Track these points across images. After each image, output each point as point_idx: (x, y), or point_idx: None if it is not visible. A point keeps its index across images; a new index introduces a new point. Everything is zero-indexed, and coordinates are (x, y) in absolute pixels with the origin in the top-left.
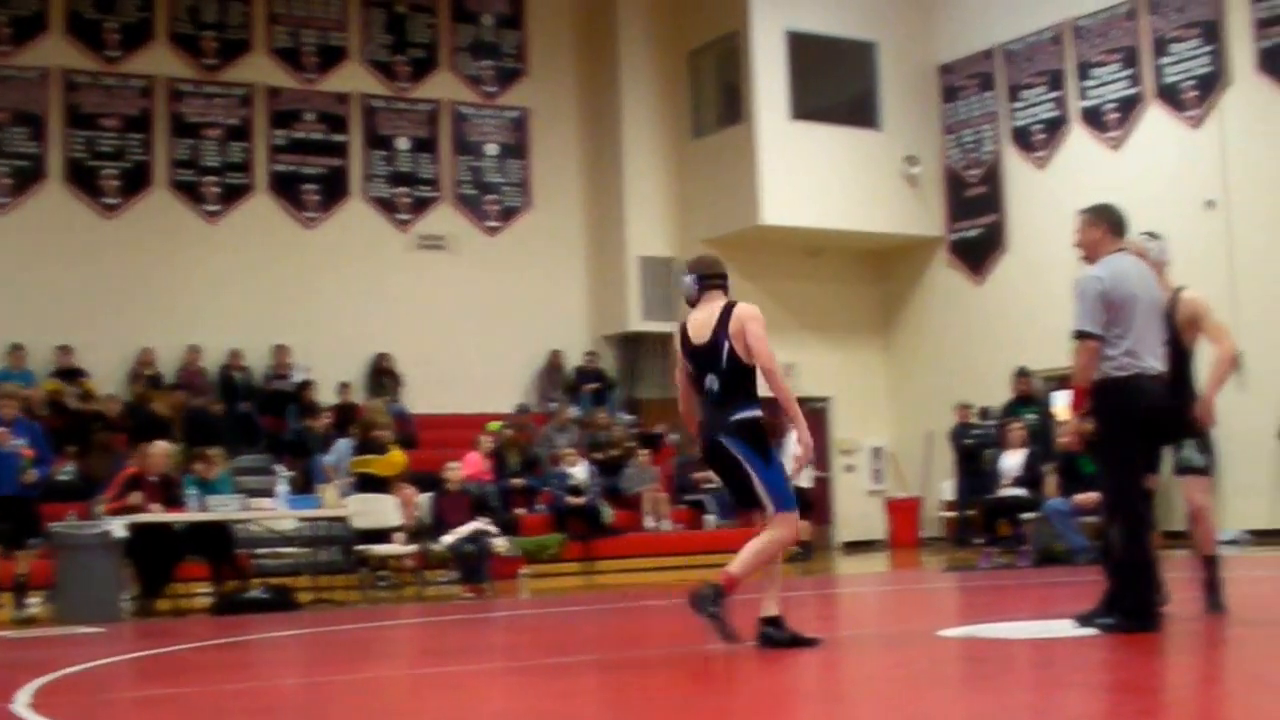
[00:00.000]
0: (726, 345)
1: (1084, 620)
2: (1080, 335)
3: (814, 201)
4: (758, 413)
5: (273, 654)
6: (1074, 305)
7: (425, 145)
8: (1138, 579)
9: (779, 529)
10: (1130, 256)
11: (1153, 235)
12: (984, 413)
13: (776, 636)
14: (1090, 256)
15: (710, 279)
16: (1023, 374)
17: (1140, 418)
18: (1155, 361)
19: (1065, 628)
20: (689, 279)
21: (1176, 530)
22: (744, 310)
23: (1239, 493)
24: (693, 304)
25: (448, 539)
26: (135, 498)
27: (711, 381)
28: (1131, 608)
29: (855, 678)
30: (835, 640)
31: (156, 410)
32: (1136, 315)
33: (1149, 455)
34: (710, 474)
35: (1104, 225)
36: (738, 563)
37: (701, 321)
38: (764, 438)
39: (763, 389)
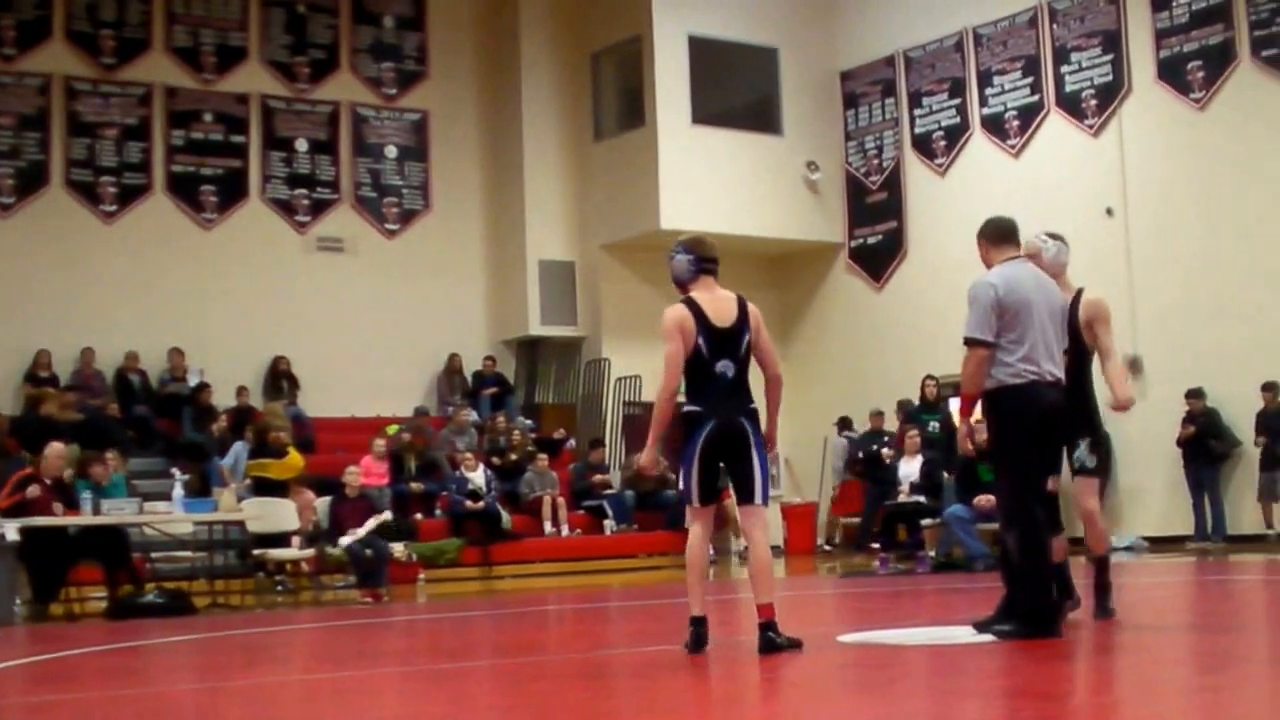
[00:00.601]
0: (747, 336)
1: (982, 626)
2: (970, 342)
3: (714, 206)
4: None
5: (167, 659)
6: (967, 312)
7: (324, 147)
8: (1034, 585)
9: (764, 529)
10: (1025, 263)
11: (1052, 236)
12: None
13: (702, 636)
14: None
15: (709, 262)
16: (930, 379)
17: (1036, 424)
18: (1053, 367)
19: (963, 634)
20: (685, 258)
21: (1077, 536)
22: (757, 310)
23: (1136, 499)
24: (683, 285)
25: (345, 540)
26: (33, 490)
27: (726, 367)
28: (1028, 614)
29: (754, 683)
30: (733, 645)
31: (49, 413)
32: (1033, 321)
33: (1046, 459)
34: (607, 478)
35: (982, 239)
36: (762, 592)
37: (722, 306)
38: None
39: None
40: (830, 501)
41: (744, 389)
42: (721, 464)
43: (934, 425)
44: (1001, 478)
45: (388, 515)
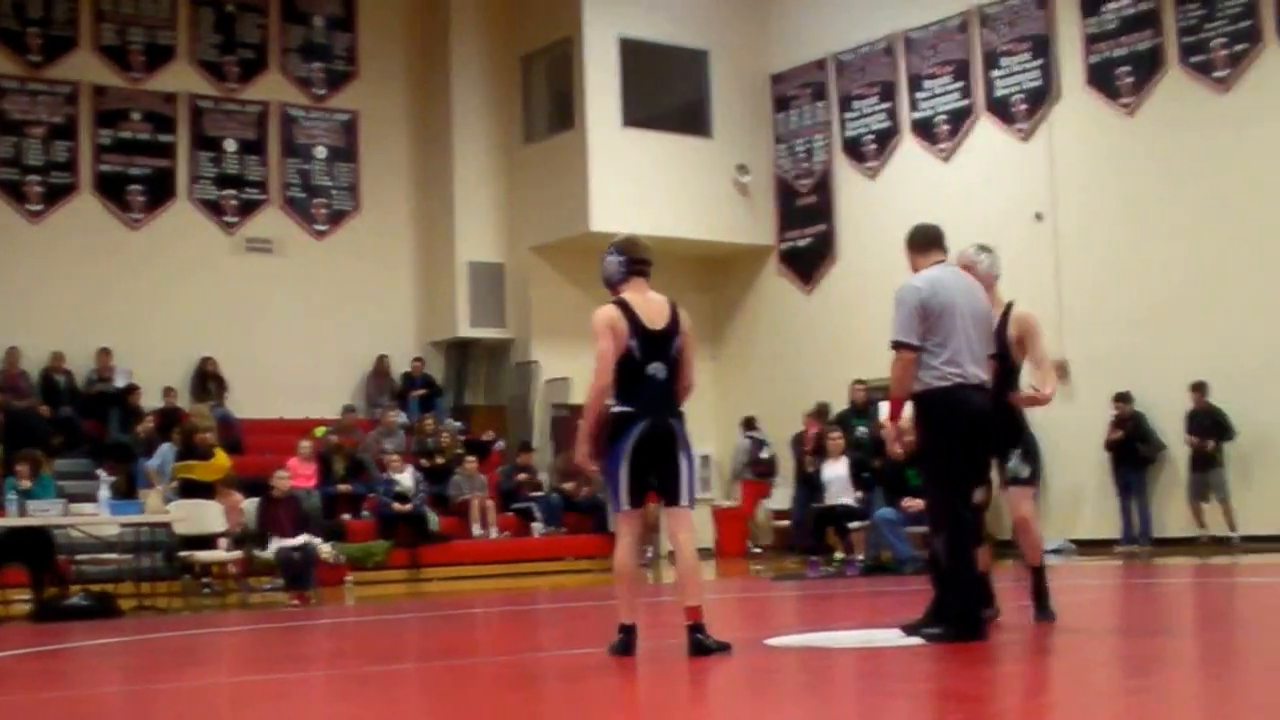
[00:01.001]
0: (678, 340)
1: (910, 630)
2: (896, 345)
3: (644, 209)
4: None
5: (93, 662)
6: (893, 315)
7: (253, 147)
8: (963, 589)
9: (689, 532)
10: (951, 267)
11: (984, 249)
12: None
13: (630, 643)
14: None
15: (640, 263)
16: (859, 383)
17: (963, 428)
18: (977, 370)
19: (892, 637)
20: (617, 259)
21: (1006, 540)
22: (687, 316)
23: (1065, 503)
24: (613, 286)
25: (274, 546)
26: None
27: (658, 369)
28: (957, 617)
29: (683, 686)
30: (662, 649)
31: None
32: (957, 325)
33: (973, 466)
34: (535, 479)
35: (908, 247)
36: (691, 594)
37: (654, 309)
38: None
39: None
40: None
41: (674, 391)
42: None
43: (862, 429)
44: (929, 481)
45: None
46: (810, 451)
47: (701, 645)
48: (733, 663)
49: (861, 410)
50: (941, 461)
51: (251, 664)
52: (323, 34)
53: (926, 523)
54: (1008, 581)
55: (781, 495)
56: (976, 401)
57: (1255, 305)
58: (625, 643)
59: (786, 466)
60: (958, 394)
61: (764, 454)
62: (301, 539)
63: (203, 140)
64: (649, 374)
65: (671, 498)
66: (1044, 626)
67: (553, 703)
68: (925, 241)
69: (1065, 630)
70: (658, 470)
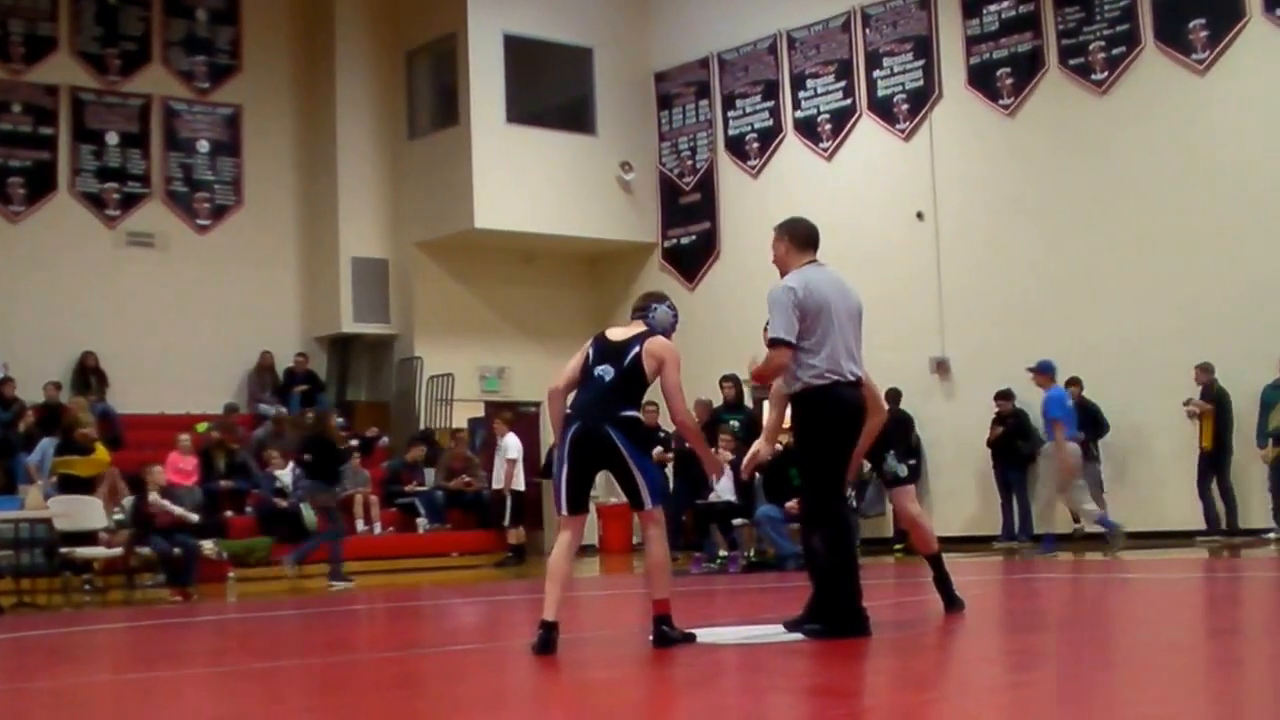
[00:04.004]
0: (636, 350)
1: (792, 625)
2: (775, 343)
3: (528, 205)
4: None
5: None
6: (770, 316)
7: (135, 140)
8: (842, 584)
9: (656, 528)
10: (824, 267)
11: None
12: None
13: (550, 640)
14: (781, 271)
15: (636, 310)
16: (727, 380)
17: (841, 424)
18: (853, 366)
19: (774, 632)
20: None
21: (885, 537)
22: (663, 345)
23: (947, 500)
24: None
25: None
26: None
27: (605, 370)
28: (837, 613)
29: (565, 680)
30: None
31: None
32: (833, 324)
33: (849, 458)
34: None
35: (787, 239)
36: (658, 587)
37: (624, 329)
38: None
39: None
40: None
41: (621, 396)
42: (606, 473)
43: (735, 423)
44: (807, 478)
45: (194, 517)
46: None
47: (665, 636)
48: (617, 656)
49: (732, 406)
50: (820, 458)
51: (132, 661)
52: (205, 27)
53: (801, 519)
54: (891, 580)
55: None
56: (851, 398)
57: (1129, 303)
58: (545, 638)
59: None
60: (835, 391)
61: None
62: (176, 511)
63: (84, 133)
64: (595, 375)
65: (633, 502)
66: (955, 616)
67: (433, 700)
68: (805, 240)
69: (946, 627)
70: (615, 477)
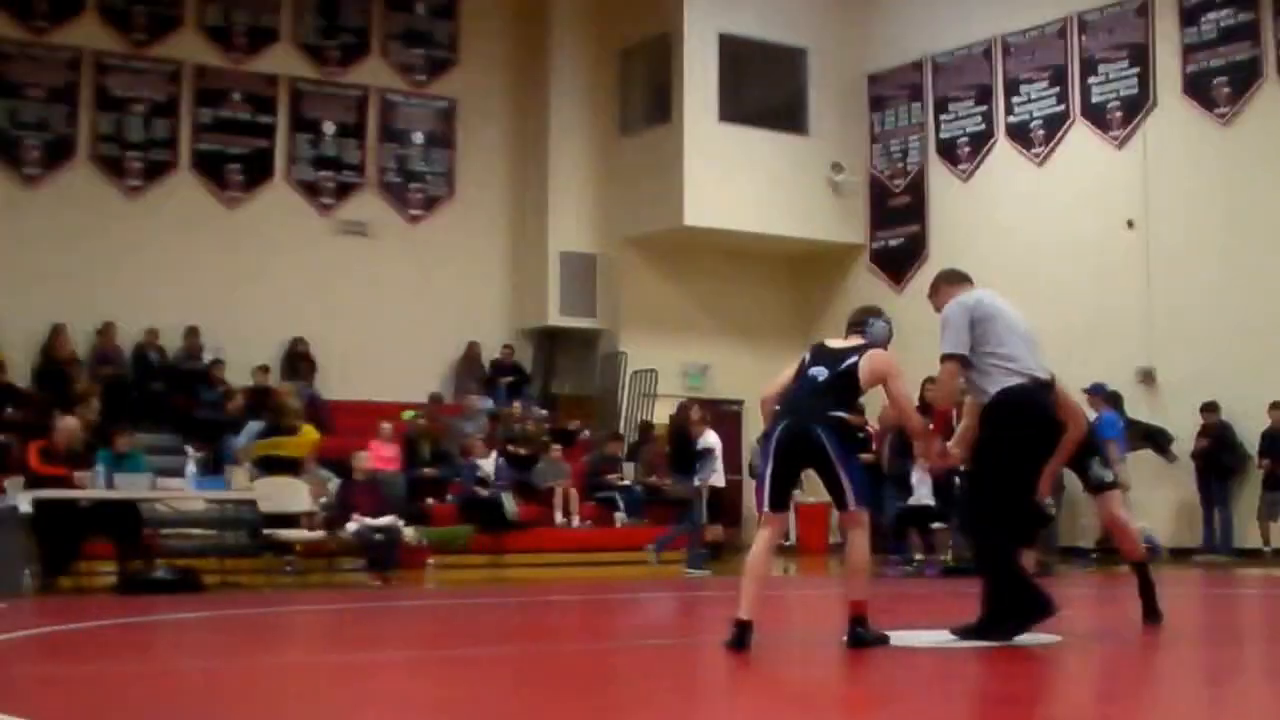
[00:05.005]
0: (853, 359)
1: (962, 633)
2: (947, 358)
3: (738, 204)
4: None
5: (176, 636)
6: (941, 333)
7: (351, 130)
8: (1013, 591)
9: (859, 531)
10: (986, 290)
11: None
12: None
13: (744, 638)
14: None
15: (850, 326)
16: (930, 381)
17: (1036, 423)
18: (1041, 366)
19: (943, 637)
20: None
21: (1077, 546)
22: (883, 358)
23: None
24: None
25: (352, 526)
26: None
27: (819, 371)
28: (1009, 620)
29: (742, 680)
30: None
31: (72, 385)
32: (1011, 328)
33: (1038, 463)
34: (621, 473)
35: (941, 283)
36: (856, 588)
37: (843, 340)
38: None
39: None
40: None
41: (832, 396)
42: (811, 471)
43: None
44: (990, 483)
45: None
46: (896, 451)
47: (859, 637)
48: (814, 658)
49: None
50: (1002, 463)
51: (332, 643)
52: (425, 21)
53: (969, 526)
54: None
55: None
56: (1045, 402)
57: None
58: (739, 637)
59: None
60: (1030, 394)
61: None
62: (384, 520)
63: (301, 122)
64: (809, 374)
65: (837, 503)
66: (1116, 630)
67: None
68: (955, 275)
69: (1143, 639)
70: (821, 478)
